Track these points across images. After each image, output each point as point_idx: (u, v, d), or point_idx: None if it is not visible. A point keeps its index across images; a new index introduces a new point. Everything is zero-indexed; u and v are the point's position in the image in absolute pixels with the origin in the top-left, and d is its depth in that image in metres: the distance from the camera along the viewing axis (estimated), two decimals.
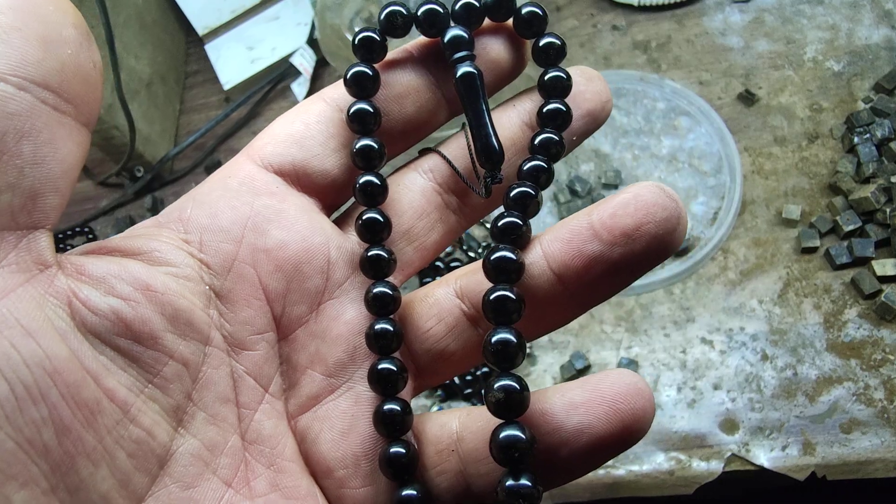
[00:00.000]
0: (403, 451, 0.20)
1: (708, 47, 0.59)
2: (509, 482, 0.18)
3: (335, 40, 0.53)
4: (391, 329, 0.21)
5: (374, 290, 0.21)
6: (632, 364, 0.47)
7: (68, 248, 0.61)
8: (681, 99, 0.57)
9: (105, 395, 0.17)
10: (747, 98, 0.56)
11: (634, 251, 0.19)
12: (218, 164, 0.63)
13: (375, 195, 0.21)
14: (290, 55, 0.64)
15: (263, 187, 0.21)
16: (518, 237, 0.20)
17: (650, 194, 0.19)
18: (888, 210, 0.47)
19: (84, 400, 0.17)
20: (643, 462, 0.44)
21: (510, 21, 0.22)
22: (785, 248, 0.50)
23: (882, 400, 0.44)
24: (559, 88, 0.22)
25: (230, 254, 0.20)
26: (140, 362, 0.18)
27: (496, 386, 0.19)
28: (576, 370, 0.47)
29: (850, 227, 0.48)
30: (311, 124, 0.22)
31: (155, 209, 0.62)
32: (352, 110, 0.21)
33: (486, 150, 0.21)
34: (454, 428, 0.21)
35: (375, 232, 0.21)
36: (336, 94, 0.22)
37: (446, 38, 0.21)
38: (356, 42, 0.21)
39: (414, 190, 0.22)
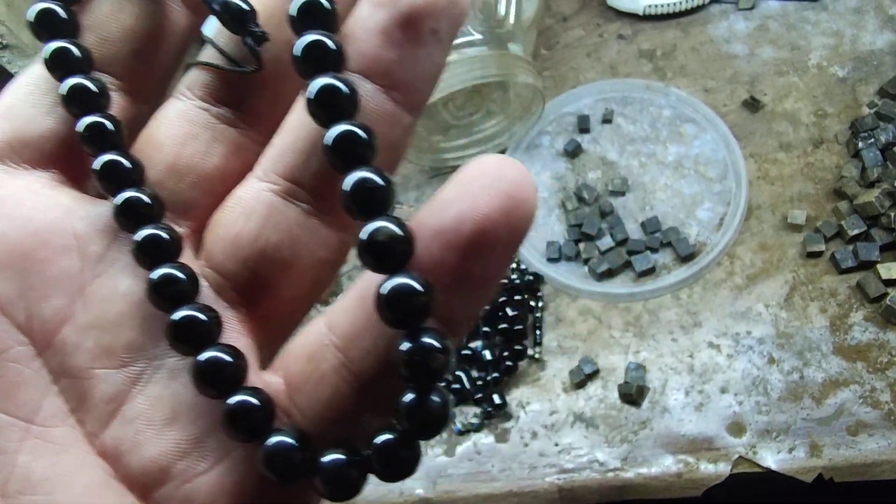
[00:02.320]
0: (248, 398, 0.16)
1: (713, 55, 0.60)
2: (405, 345, 0.14)
3: None
4: (177, 273, 0.16)
5: (137, 237, 0.17)
6: (640, 368, 0.48)
7: None
8: (686, 106, 0.57)
9: None
10: (752, 105, 0.56)
11: None
12: None
13: (104, 137, 0.17)
14: None
15: None
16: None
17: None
18: (893, 214, 0.47)
19: None
20: (651, 465, 0.45)
21: None
22: (790, 252, 0.50)
23: (888, 402, 0.44)
24: None
25: None
26: None
27: (367, 235, 0.14)
28: (584, 375, 0.48)
29: (855, 232, 0.48)
30: (17, 90, 0.18)
31: None
32: (47, 54, 0.17)
33: (225, 6, 0.17)
34: (321, 323, 0.17)
35: (117, 176, 0.17)
36: None
37: None
38: None
39: (170, 117, 0.18)
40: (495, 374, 0.49)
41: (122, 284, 0.17)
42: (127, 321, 0.17)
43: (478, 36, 0.52)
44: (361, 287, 0.16)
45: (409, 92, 0.16)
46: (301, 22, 0.16)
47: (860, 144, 0.51)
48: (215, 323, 0.16)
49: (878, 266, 0.47)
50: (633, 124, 0.58)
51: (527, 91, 0.56)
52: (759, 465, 0.44)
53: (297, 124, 0.17)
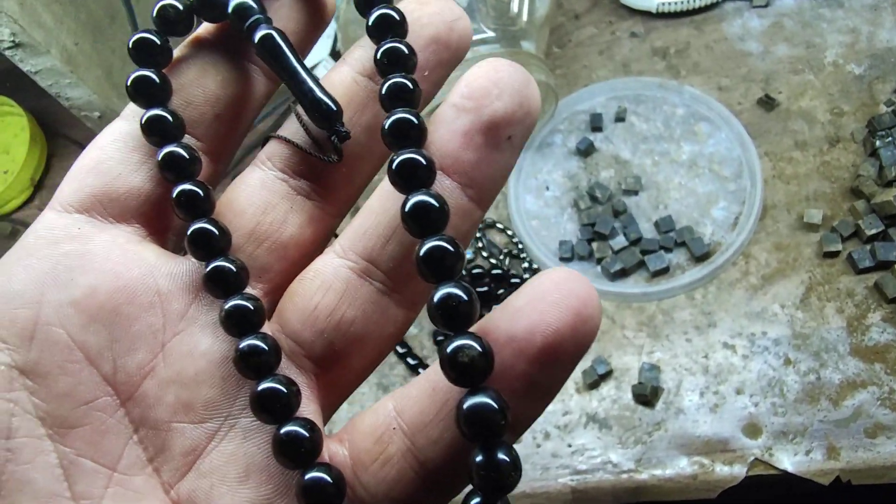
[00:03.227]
0: (322, 475, 0.17)
1: (727, 53, 0.60)
2: (479, 457, 0.15)
3: None
4: (261, 344, 0.18)
5: (226, 306, 0.18)
6: (654, 369, 0.47)
7: None
8: (700, 105, 0.57)
9: None
10: (767, 103, 0.56)
11: None
12: None
13: (196, 204, 0.18)
14: (313, 67, 0.65)
15: (63, 233, 0.18)
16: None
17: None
18: None
19: None
20: (666, 466, 0.44)
21: None
22: (807, 252, 0.50)
23: None
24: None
25: (29, 319, 0.17)
26: None
27: (451, 351, 0.15)
28: (598, 375, 0.48)
29: (873, 231, 0.48)
30: (105, 147, 0.19)
31: None
32: (143, 121, 0.18)
33: (315, 105, 0.18)
34: (390, 406, 0.18)
35: (209, 243, 0.18)
36: (132, 110, 0.19)
37: (230, 10, 0.19)
38: (131, 47, 0.19)
39: (252, 185, 0.19)
40: None
41: (202, 343, 0.18)
42: (206, 379, 0.18)
43: (491, 34, 0.51)
44: (432, 378, 0.17)
45: (483, 190, 0.18)
46: (394, 138, 0.17)
47: (877, 143, 0.51)
48: (295, 395, 0.17)
49: None
50: (646, 123, 0.58)
51: (539, 89, 0.56)
52: (775, 468, 0.43)
53: (378, 209, 0.18)
